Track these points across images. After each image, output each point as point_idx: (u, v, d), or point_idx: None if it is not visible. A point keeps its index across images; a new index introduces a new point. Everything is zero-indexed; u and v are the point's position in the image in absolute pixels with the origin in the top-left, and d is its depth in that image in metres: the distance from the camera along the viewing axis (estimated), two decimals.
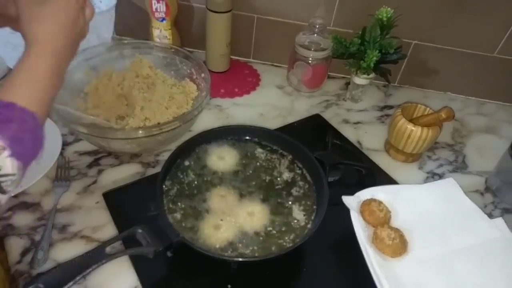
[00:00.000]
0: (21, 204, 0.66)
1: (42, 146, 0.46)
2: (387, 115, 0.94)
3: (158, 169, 0.73)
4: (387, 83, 0.94)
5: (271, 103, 0.94)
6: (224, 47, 0.95)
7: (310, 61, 0.92)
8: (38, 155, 0.45)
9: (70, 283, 0.48)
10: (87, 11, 0.53)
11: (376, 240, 0.61)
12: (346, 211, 0.65)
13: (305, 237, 0.58)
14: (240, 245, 0.59)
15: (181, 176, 0.68)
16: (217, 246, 0.59)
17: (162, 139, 0.72)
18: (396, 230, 0.62)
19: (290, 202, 0.66)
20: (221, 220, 0.61)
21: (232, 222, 0.62)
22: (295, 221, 0.63)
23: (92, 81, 0.81)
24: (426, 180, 0.79)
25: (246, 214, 0.63)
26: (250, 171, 0.70)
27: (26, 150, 0.43)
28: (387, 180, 0.77)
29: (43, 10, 0.48)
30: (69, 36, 0.50)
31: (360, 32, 0.87)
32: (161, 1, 0.89)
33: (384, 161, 0.82)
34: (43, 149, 0.46)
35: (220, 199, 0.64)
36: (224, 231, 0.60)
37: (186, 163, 0.70)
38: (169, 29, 0.94)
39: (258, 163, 0.72)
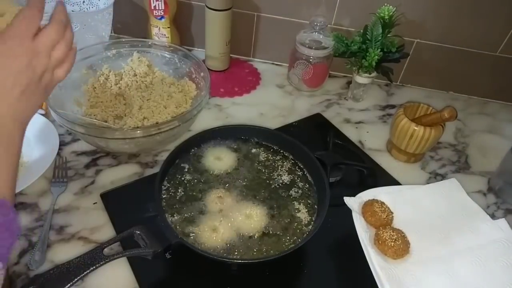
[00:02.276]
0: (18, 204, 0.65)
1: (18, 231, 0.38)
2: (389, 115, 0.93)
3: (156, 169, 0.73)
4: (389, 82, 0.93)
5: (271, 103, 0.93)
6: (223, 46, 0.95)
7: (311, 60, 0.92)
8: (15, 243, 0.37)
9: (68, 285, 0.48)
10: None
11: (378, 241, 0.61)
12: (347, 212, 0.64)
13: (306, 239, 0.58)
14: (239, 246, 0.58)
15: (180, 177, 0.67)
16: (216, 247, 0.58)
17: (161, 139, 0.71)
18: (398, 231, 0.61)
19: (290, 203, 0.65)
20: (220, 221, 0.61)
21: (230, 223, 0.61)
22: (296, 222, 0.62)
23: (90, 80, 0.80)
24: (428, 181, 0.79)
25: (245, 215, 0.62)
26: (250, 172, 0.69)
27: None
28: (389, 180, 0.76)
29: None
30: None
31: (362, 31, 0.86)
32: None
33: (386, 161, 0.81)
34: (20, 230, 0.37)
35: (218, 200, 0.64)
36: (222, 233, 0.59)
37: (185, 163, 0.69)
38: (168, 27, 0.94)
39: (257, 164, 0.71)
